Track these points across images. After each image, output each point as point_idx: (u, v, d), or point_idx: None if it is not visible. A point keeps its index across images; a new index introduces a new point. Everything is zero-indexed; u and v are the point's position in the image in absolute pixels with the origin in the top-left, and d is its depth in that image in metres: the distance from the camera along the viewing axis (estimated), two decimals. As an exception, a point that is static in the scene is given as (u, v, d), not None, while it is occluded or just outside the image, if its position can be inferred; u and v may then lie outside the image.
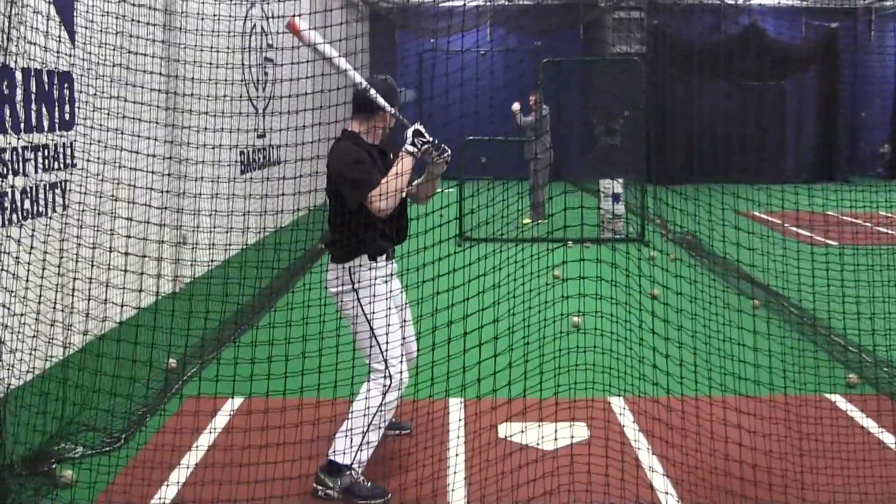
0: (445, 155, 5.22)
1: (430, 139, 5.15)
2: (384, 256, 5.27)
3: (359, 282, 5.18)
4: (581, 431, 5.89)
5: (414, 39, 23.71)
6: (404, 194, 5.17)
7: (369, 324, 5.16)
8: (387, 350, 5.14)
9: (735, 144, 20.37)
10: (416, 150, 5.09)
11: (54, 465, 5.36)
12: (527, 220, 15.18)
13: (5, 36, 5.28)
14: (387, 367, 5.13)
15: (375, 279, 5.18)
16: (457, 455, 5.51)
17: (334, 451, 5.10)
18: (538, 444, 5.57)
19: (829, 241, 12.32)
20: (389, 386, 5.12)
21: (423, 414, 6.19)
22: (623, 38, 21.40)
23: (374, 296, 5.16)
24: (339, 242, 5.22)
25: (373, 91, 5.27)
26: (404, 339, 5.39)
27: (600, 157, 16.54)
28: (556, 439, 5.58)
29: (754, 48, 21.47)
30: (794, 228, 13.30)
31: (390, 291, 5.32)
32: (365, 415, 5.08)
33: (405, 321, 5.52)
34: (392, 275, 5.43)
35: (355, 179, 5.10)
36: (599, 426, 5.74)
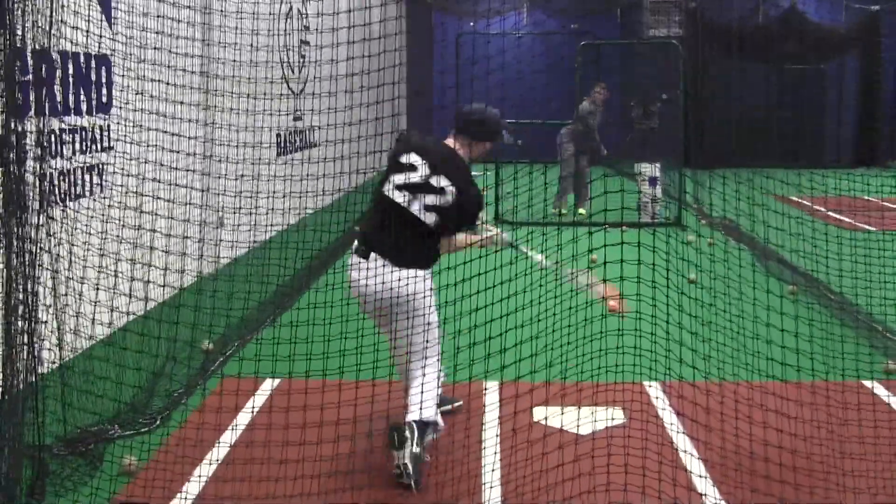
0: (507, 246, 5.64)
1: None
2: None
3: (433, 286, 5.44)
4: (618, 414, 5.87)
5: (452, 22, 23.66)
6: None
7: (439, 321, 5.49)
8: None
9: (774, 128, 20.18)
10: (498, 244, 5.57)
11: (92, 446, 5.40)
12: (582, 211, 15.13)
13: (46, 19, 5.30)
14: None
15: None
16: (494, 435, 5.53)
17: (421, 409, 5.09)
18: (574, 428, 5.56)
19: (869, 227, 12.18)
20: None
21: (462, 395, 6.21)
22: (661, 21, 21.25)
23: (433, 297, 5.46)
24: (424, 250, 5.37)
25: (490, 120, 5.56)
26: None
27: (638, 141, 16.46)
28: (594, 422, 5.59)
29: (795, 31, 21.25)
30: (833, 213, 13.19)
31: None
32: (438, 386, 5.32)
33: None
34: None
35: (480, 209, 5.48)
36: (636, 409, 5.72)
